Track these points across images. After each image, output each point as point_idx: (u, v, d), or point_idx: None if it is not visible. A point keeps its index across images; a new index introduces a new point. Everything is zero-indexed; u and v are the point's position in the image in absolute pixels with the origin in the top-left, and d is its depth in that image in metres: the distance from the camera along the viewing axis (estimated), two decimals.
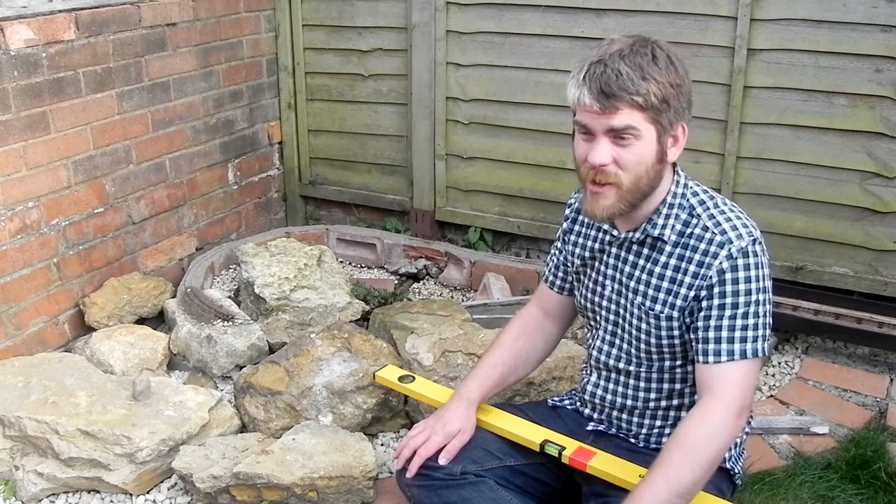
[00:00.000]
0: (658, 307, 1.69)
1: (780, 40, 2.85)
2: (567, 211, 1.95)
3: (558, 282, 1.99)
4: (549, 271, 2.00)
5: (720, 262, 1.61)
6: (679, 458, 1.53)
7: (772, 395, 2.63)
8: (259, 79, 3.76)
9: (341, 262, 3.61)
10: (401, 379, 2.21)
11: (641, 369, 1.77)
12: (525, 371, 1.99)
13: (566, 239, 1.93)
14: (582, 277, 1.88)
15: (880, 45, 2.71)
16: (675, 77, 1.57)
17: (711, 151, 3.02)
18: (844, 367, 2.82)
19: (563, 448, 1.79)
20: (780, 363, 2.84)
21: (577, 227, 1.90)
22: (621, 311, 1.78)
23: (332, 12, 3.66)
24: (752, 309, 1.60)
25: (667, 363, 1.74)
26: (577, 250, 1.88)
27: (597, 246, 1.82)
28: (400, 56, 3.57)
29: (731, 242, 1.61)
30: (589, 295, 1.86)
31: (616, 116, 1.54)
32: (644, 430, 1.83)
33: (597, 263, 1.82)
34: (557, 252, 1.98)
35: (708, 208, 1.67)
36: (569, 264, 1.93)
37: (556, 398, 2.02)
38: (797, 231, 2.98)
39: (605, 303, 1.82)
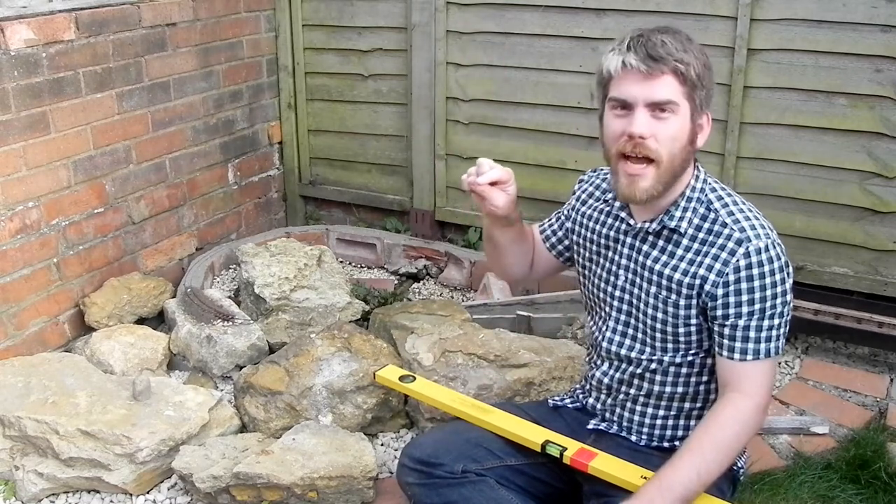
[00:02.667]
0: (674, 297, 1.70)
1: (780, 40, 2.85)
2: (577, 187, 1.96)
3: (549, 231, 2.00)
4: (546, 223, 2.02)
5: (738, 260, 1.62)
6: (713, 454, 1.59)
7: (772, 395, 2.63)
8: (259, 79, 3.76)
9: (341, 262, 3.61)
10: (401, 379, 2.21)
11: (654, 357, 1.77)
12: (516, 253, 1.97)
13: (574, 217, 1.93)
14: (592, 266, 1.87)
15: (880, 45, 2.71)
16: (706, 60, 1.63)
17: (711, 151, 3.01)
18: (844, 367, 2.83)
19: (565, 449, 1.79)
20: (780, 363, 2.83)
21: (585, 209, 1.89)
22: (635, 301, 1.78)
23: (332, 12, 3.66)
24: (777, 310, 1.64)
25: (680, 352, 1.74)
26: (589, 234, 1.87)
27: (611, 234, 1.81)
28: (400, 56, 3.57)
29: (750, 241, 1.62)
30: (602, 284, 1.85)
31: (659, 84, 1.57)
32: (647, 420, 1.82)
33: (610, 253, 1.82)
34: (557, 217, 2.00)
35: (727, 204, 1.69)
36: (569, 239, 1.96)
37: (556, 398, 2.02)
38: (797, 231, 2.98)
39: (617, 293, 1.81)
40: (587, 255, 1.88)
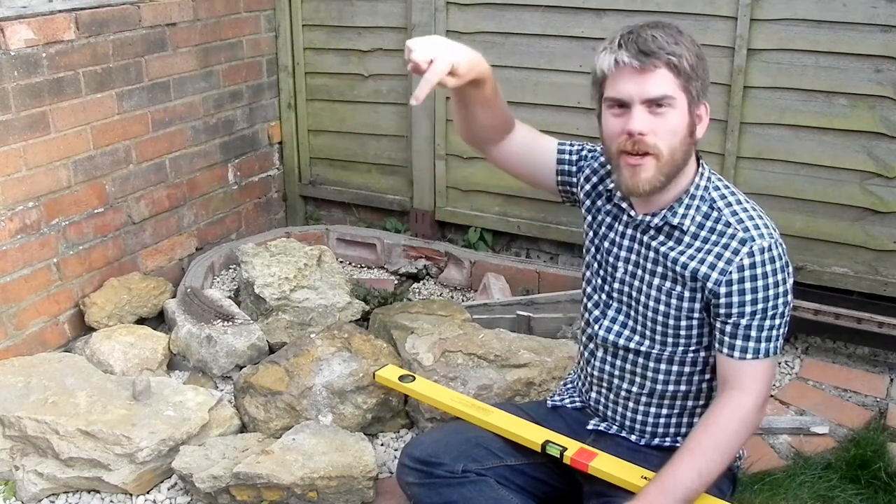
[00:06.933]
0: (678, 288, 1.70)
1: (780, 40, 2.85)
2: (586, 153, 1.89)
3: (566, 153, 1.91)
4: (568, 144, 1.92)
5: (741, 259, 1.62)
6: (713, 453, 1.60)
7: (772, 395, 2.63)
8: (259, 79, 3.76)
9: (341, 262, 3.61)
10: (401, 378, 2.21)
11: (654, 350, 1.77)
12: (493, 116, 1.96)
13: (581, 182, 1.87)
14: (592, 249, 1.86)
15: (880, 45, 2.70)
16: (698, 51, 1.63)
17: (711, 151, 3.01)
18: (844, 367, 2.83)
19: (565, 449, 1.79)
20: (780, 363, 2.84)
21: (589, 188, 1.86)
22: (635, 294, 1.78)
23: (332, 12, 3.66)
24: (779, 310, 1.65)
25: (681, 346, 1.75)
26: (589, 216, 1.86)
27: (612, 223, 1.81)
28: (400, 56, 3.53)
29: (754, 241, 1.63)
30: (601, 273, 1.84)
31: (653, 79, 1.57)
32: (651, 419, 1.82)
33: (607, 243, 1.82)
34: (579, 149, 1.90)
35: (730, 203, 1.69)
36: (575, 177, 1.89)
37: (556, 398, 2.02)
38: (797, 231, 2.98)
39: (617, 284, 1.81)
40: (590, 233, 1.87)
